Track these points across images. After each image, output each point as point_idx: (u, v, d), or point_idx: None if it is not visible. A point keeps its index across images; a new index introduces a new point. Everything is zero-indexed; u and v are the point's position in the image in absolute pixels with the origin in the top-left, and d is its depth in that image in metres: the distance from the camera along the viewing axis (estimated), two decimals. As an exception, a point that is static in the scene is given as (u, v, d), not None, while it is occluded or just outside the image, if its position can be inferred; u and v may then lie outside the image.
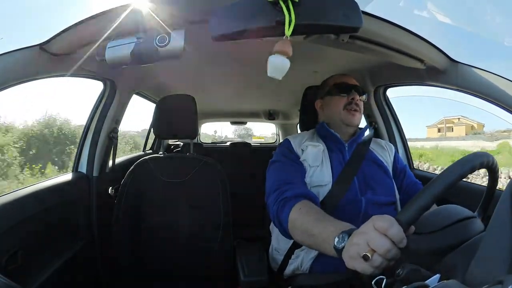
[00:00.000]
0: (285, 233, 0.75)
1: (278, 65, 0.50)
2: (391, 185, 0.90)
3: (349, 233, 0.52)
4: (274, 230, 0.95)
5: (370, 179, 0.87)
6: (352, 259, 0.48)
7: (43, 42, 0.77)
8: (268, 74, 0.51)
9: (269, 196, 0.82)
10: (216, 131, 6.04)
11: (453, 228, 0.53)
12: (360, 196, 0.84)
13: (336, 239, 0.53)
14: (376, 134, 1.39)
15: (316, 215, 0.66)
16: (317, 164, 0.87)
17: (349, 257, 0.48)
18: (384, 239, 0.45)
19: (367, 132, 0.96)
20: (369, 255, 0.45)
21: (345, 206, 0.81)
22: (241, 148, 2.52)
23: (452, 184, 0.47)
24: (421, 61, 0.91)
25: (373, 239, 0.46)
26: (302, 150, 0.91)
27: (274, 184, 0.82)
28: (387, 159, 0.97)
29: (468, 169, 0.49)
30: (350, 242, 0.50)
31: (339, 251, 0.52)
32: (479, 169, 0.51)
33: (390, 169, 0.95)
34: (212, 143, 3.65)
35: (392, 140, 1.39)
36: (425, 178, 1.04)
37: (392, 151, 1.01)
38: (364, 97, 0.96)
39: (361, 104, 0.94)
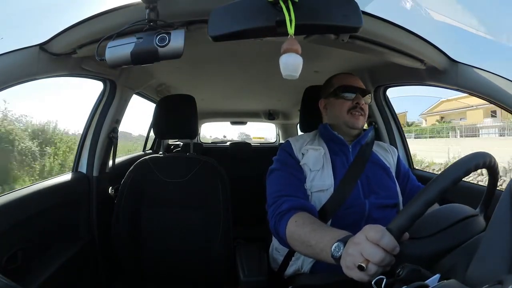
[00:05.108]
0: (285, 245, 0.76)
1: (291, 63, 0.48)
2: (394, 187, 0.90)
3: (344, 241, 0.53)
4: None
5: (373, 182, 0.87)
6: (348, 269, 0.49)
7: (43, 42, 0.77)
8: (283, 75, 0.49)
9: (268, 208, 0.83)
10: (225, 135, 6.21)
11: (453, 229, 0.53)
12: (364, 199, 0.84)
13: (333, 248, 0.54)
14: (376, 134, 1.39)
15: (311, 226, 0.67)
16: (318, 168, 0.87)
17: (346, 266, 0.50)
18: (377, 249, 0.47)
19: (370, 134, 0.95)
20: (364, 265, 0.46)
21: (349, 209, 0.81)
22: (241, 148, 2.51)
23: (446, 189, 0.48)
24: (421, 61, 0.91)
25: (366, 250, 0.47)
26: (303, 154, 0.90)
27: (271, 196, 0.83)
28: (390, 161, 0.97)
29: (462, 173, 0.49)
30: (345, 252, 0.51)
31: (337, 259, 0.53)
32: (475, 170, 0.50)
33: (393, 171, 0.95)
34: (212, 143, 3.64)
35: (392, 140, 1.39)
36: (424, 178, 1.04)
37: (395, 154, 1.01)
38: (369, 99, 0.95)
39: (366, 107, 0.94)
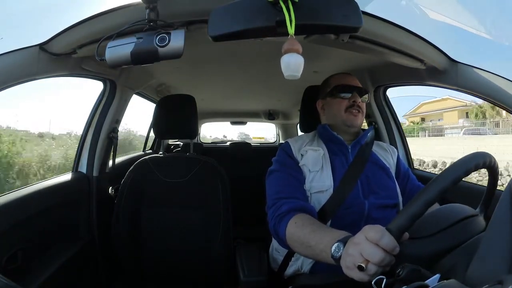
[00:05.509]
0: (285, 246, 0.76)
1: (293, 63, 0.48)
2: (394, 187, 0.90)
3: (344, 241, 0.54)
4: None
5: (373, 182, 0.87)
6: (348, 269, 0.49)
7: (43, 42, 0.77)
8: (285, 76, 0.49)
9: (268, 209, 0.83)
10: (225, 135, 6.29)
11: (453, 229, 0.53)
12: (363, 199, 0.84)
13: (333, 249, 0.55)
14: (376, 134, 1.39)
15: (311, 227, 0.67)
16: (317, 169, 0.86)
17: (346, 267, 0.50)
18: (377, 249, 0.47)
19: (370, 134, 0.95)
20: (364, 265, 0.46)
21: (348, 209, 0.81)
22: (241, 148, 2.51)
23: (446, 189, 0.48)
24: (421, 61, 0.91)
25: (366, 250, 0.47)
26: (302, 155, 0.90)
27: (271, 198, 0.83)
28: (390, 161, 0.97)
29: (462, 173, 0.49)
30: (345, 252, 0.51)
31: (337, 260, 0.53)
32: (475, 170, 0.50)
33: (392, 171, 0.95)
34: (212, 143, 3.64)
35: (392, 140, 1.39)
36: (424, 178, 1.04)
37: (395, 153, 1.01)
38: (366, 98, 0.96)
39: (363, 106, 0.94)
